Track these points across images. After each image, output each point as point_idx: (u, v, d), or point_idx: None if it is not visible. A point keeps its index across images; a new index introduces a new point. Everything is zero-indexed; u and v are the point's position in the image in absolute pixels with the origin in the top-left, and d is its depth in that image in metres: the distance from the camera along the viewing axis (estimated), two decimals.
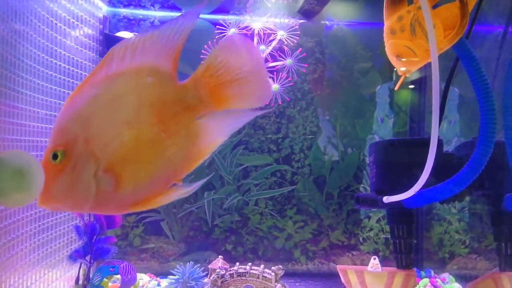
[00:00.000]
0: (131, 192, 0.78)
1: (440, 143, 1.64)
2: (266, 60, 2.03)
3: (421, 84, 2.37)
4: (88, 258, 1.75)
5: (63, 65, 1.76)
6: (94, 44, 2.03)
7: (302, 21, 2.21)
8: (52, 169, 0.78)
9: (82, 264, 1.78)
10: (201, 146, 0.86)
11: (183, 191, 0.84)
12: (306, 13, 2.23)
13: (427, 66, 2.24)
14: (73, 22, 1.84)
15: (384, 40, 1.49)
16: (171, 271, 1.90)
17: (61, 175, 0.77)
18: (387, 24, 1.48)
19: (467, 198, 2.18)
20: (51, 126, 1.67)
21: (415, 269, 1.83)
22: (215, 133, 0.88)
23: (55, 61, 1.70)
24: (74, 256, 1.73)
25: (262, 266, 1.80)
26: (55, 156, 0.77)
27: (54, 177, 0.78)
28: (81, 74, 1.91)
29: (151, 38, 0.86)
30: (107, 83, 0.81)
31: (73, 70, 1.84)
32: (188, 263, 1.90)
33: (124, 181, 0.77)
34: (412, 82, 2.38)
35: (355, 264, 2.29)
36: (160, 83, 0.83)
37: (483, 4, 1.53)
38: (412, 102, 2.38)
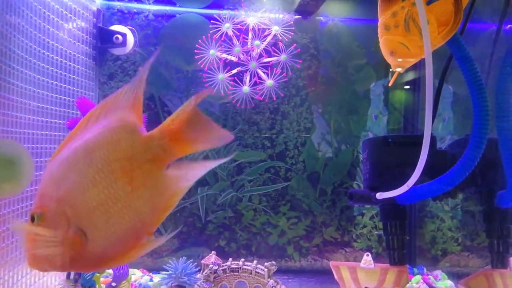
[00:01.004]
0: (102, 249, 0.79)
1: (433, 140, 1.65)
2: (261, 56, 2.03)
3: (415, 84, 2.38)
4: None
5: (55, 57, 1.75)
6: (88, 37, 2.01)
7: (297, 17, 2.20)
8: (32, 231, 0.80)
9: None
10: (168, 196, 0.86)
11: (156, 243, 0.85)
12: (303, 12, 2.23)
13: (421, 65, 2.25)
14: (66, 14, 1.83)
15: (378, 36, 1.49)
16: (163, 266, 1.90)
17: (39, 236, 0.79)
18: (381, 20, 1.48)
19: (460, 195, 2.19)
20: (42, 118, 1.66)
21: (408, 266, 1.84)
22: (181, 181, 0.88)
23: (47, 53, 1.69)
24: None
25: (255, 262, 1.80)
26: (33, 219, 0.80)
27: (34, 239, 0.79)
28: (74, 67, 1.90)
29: (117, 96, 0.88)
30: (79, 144, 0.83)
31: (65, 63, 1.83)
32: (180, 258, 1.89)
33: (93, 239, 0.78)
34: (406, 82, 2.39)
35: (348, 261, 2.30)
36: (127, 136, 0.84)
37: (477, 1, 1.54)
38: (406, 101, 2.39)
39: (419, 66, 2.32)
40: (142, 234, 0.84)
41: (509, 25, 2.11)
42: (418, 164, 1.40)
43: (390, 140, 1.81)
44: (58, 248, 0.78)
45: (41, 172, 1.67)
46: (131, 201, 0.81)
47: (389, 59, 1.51)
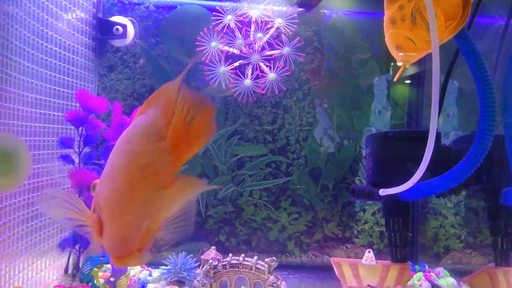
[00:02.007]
0: (111, 236, 0.89)
1: (438, 136, 1.62)
2: (263, 48, 1.99)
3: (419, 79, 2.34)
4: (77, 247, 1.72)
5: (54, 48, 1.71)
6: (87, 28, 1.98)
7: (301, 9, 2.17)
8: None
9: (72, 253, 1.75)
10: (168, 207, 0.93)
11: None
12: (306, 5, 2.20)
13: (426, 60, 2.22)
14: (65, 5, 1.80)
15: (384, 30, 1.45)
16: (163, 261, 1.88)
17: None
18: (387, 13, 1.45)
19: (464, 192, 2.17)
20: (40, 110, 1.63)
21: (410, 263, 1.82)
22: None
23: (46, 44, 1.66)
24: (64, 245, 1.69)
25: (255, 257, 1.78)
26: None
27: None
28: (73, 58, 1.87)
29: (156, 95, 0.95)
30: (115, 147, 0.94)
31: (64, 54, 1.80)
32: (180, 253, 1.88)
33: (105, 226, 0.89)
34: (410, 77, 2.36)
35: (349, 257, 2.28)
36: (144, 146, 0.91)
37: None
38: (410, 96, 2.36)
39: (423, 61, 2.28)
40: (147, 236, 0.92)
41: None
42: (423, 160, 1.37)
43: (393, 135, 1.78)
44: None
45: (39, 165, 1.64)
46: (142, 204, 0.88)
47: (394, 54, 1.48)
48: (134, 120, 0.95)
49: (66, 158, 1.71)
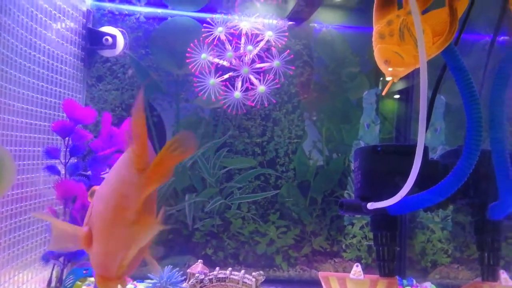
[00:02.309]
0: (97, 250, 0.94)
1: (425, 150, 1.63)
2: (253, 61, 2.00)
3: (408, 93, 2.37)
4: (61, 259, 1.68)
5: (42, 57, 1.70)
6: (76, 38, 1.97)
7: (291, 23, 2.19)
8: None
9: (55, 266, 1.72)
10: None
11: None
12: (296, 18, 2.22)
13: (414, 75, 2.25)
14: (55, 14, 1.79)
15: (373, 44, 1.47)
16: (148, 274, 1.85)
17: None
18: (376, 28, 1.46)
19: (451, 207, 2.17)
20: (26, 120, 1.61)
21: (398, 278, 1.81)
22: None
23: (34, 53, 1.64)
24: (47, 257, 1.66)
25: (242, 271, 1.75)
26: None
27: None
28: (61, 68, 1.86)
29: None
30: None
31: (52, 64, 1.79)
32: (166, 267, 1.85)
33: (94, 239, 0.94)
34: (399, 92, 2.38)
35: (338, 271, 2.26)
36: (125, 175, 0.95)
37: (472, 12, 1.53)
38: (399, 110, 2.38)
39: (412, 76, 2.31)
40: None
41: (502, 37, 2.11)
42: (411, 174, 1.37)
43: (382, 149, 1.79)
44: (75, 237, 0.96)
45: (24, 176, 1.61)
46: (126, 233, 0.92)
47: (383, 68, 1.49)
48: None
49: (52, 169, 1.68)
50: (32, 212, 1.67)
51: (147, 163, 0.92)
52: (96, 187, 1.01)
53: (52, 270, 1.72)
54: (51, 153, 1.65)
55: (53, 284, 1.72)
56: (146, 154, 0.92)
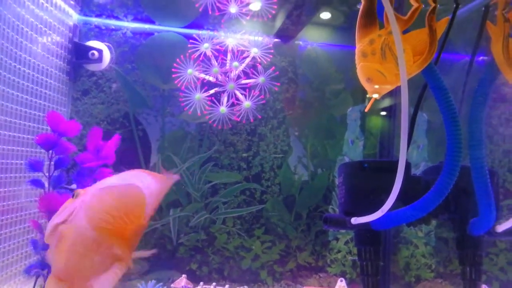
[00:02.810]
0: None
1: (408, 166, 1.65)
2: (239, 77, 2.02)
3: (391, 110, 2.40)
4: (45, 272, 1.65)
5: (27, 71, 1.70)
6: (62, 52, 1.97)
7: (277, 40, 2.22)
8: None
9: (39, 278, 1.69)
10: None
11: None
12: (282, 36, 2.26)
13: (397, 92, 2.29)
14: (41, 28, 1.79)
15: (356, 62, 1.50)
16: None
17: None
18: (358, 47, 1.49)
19: (434, 222, 2.20)
20: (9, 133, 1.60)
21: None
22: None
23: (19, 66, 1.64)
24: (31, 270, 1.63)
25: (227, 286, 1.75)
26: None
27: None
28: (46, 81, 1.85)
29: None
30: None
31: (37, 77, 1.78)
32: (150, 281, 1.83)
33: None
34: (382, 109, 2.42)
35: (322, 286, 2.26)
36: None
37: (451, 33, 1.57)
38: (382, 127, 2.41)
39: (395, 93, 2.35)
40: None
41: (481, 57, 2.17)
42: (393, 189, 1.39)
43: (366, 165, 1.81)
44: None
45: (6, 189, 1.59)
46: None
47: (366, 86, 1.51)
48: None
49: (36, 183, 1.66)
50: (11, 226, 1.65)
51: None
52: (80, 190, 1.02)
53: (35, 282, 1.69)
54: (34, 166, 1.63)
55: None
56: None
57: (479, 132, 1.56)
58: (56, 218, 0.98)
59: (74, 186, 1.74)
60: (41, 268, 1.62)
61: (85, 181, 1.70)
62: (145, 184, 1.00)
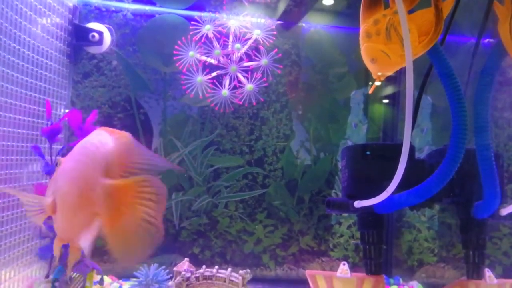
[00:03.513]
0: (60, 219, 1.08)
1: (412, 150, 1.64)
2: (241, 59, 1.99)
3: (395, 94, 2.38)
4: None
5: (27, 52, 1.68)
6: (62, 33, 1.95)
7: (279, 22, 2.19)
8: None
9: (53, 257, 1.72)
10: None
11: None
12: (285, 21, 2.22)
13: (402, 75, 2.27)
14: (40, 9, 1.77)
15: (360, 43, 1.47)
16: (134, 273, 1.83)
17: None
18: (363, 27, 1.47)
19: (437, 206, 2.19)
20: (10, 114, 1.58)
21: (384, 276, 1.82)
22: None
23: (19, 47, 1.62)
24: (44, 253, 1.66)
25: (229, 269, 1.75)
26: None
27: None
28: (46, 63, 1.83)
29: None
30: None
31: (37, 59, 1.76)
32: (152, 265, 1.83)
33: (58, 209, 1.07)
34: (386, 93, 2.39)
35: (325, 270, 2.26)
36: None
37: (457, 14, 1.54)
38: (386, 111, 2.39)
39: (399, 76, 2.33)
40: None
41: (487, 39, 2.14)
42: (397, 172, 1.38)
43: (369, 148, 1.79)
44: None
45: (7, 171, 1.59)
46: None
47: (370, 67, 1.50)
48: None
49: (36, 149, 1.69)
50: (15, 208, 1.65)
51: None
52: (62, 159, 1.11)
53: (50, 262, 1.71)
54: (49, 134, 1.70)
55: (51, 276, 1.70)
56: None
57: (484, 114, 1.54)
58: (48, 190, 1.08)
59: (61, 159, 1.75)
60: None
61: None
62: (103, 141, 1.11)
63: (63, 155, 1.75)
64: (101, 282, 1.75)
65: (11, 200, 1.62)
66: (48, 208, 1.06)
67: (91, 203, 1.05)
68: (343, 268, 1.83)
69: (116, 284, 1.94)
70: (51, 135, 1.71)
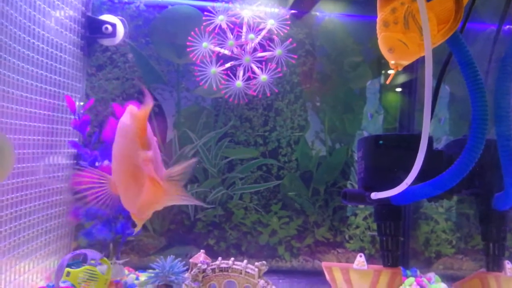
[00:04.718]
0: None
1: (430, 140, 1.61)
2: (255, 50, 1.97)
3: (412, 84, 2.34)
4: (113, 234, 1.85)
5: (41, 45, 1.68)
6: (76, 26, 1.95)
7: (293, 11, 2.16)
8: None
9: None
10: None
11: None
12: (299, 8, 2.19)
13: (419, 65, 2.22)
14: (54, 2, 1.76)
15: (377, 32, 1.44)
16: (150, 264, 1.84)
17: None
18: (380, 16, 1.44)
19: (455, 197, 2.16)
20: (26, 108, 1.59)
21: (401, 268, 1.80)
22: None
23: (33, 40, 1.62)
24: (84, 213, 1.80)
25: (245, 261, 1.74)
26: None
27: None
28: (61, 56, 1.83)
29: None
30: None
31: (52, 52, 1.76)
32: (168, 257, 1.84)
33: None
34: (403, 83, 2.35)
35: (341, 262, 2.25)
36: None
37: (477, 2, 1.50)
38: (402, 101, 2.35)
39: (416, 66, 2.28)
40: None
41: (508, 26, 2.08)
42: (415, 163, 1.36)
43: (385, 138, 1.77)
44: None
45: (24, 165, 1.60)
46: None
47: (387, 56, 1.47)
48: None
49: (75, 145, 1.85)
50: (33, 201, 1.66)
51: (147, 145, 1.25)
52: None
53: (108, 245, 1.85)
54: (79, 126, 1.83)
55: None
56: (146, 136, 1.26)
57: (506, 104, 1.51)
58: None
59: (106, 162, 1.80)
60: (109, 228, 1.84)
61: (109, 154, 1.79)
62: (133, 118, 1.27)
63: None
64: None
65: (28, 194, 1.63)
66: (111, 186, 1.30)
67: (137, 175, 1.23)
68: (360, 260, 1.82)
69: (132, 276, 1.95)
70: (82, 127, 1.82)
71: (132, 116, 1.26)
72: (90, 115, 1.88)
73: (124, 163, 1.26)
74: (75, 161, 1.98)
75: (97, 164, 1.82)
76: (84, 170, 1.33)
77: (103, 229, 1.83)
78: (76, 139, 1.98)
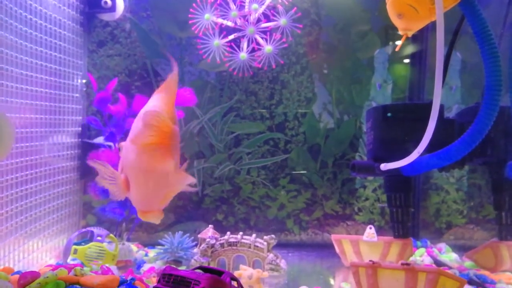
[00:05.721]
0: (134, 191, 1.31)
1: (441, 108, 1.56)
2: (259, 20, 1.91)
3: (421, 55, 2.26)
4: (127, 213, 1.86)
5: (39, 21, 1.64)
6: (74, 1, 1.90)
7: None
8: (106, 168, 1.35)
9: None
10: None
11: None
12: None
13: (429, 31, 2.14)
14: None
15: None
16: (159, 241, 1.84)
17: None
18: None
19: (467, 167, 2.12)
20: (27, 86, 1.56)
21: (412, 239, 1.78)
22: None
23: (30, 16, 1.58)
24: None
25: (253, 235, 1.73)
26: None
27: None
28: (60, 33, 1.79)
29: None
30: None
31: (50, 28, 1.72)
32: (176, 233, 1.84)
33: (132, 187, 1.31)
34: (411, 54, 2.27)
35: (350, 234, 2.24)
36: None
37: None
38: (412, 70, 2.28)
39: (425, 33, 2.20)
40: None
41: None
42: (426, 132, 1.32)
43: (395, 108, 1.72)
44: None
45: (27, 144, 1.58)
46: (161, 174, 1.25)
47: (396, 22, 1.41)
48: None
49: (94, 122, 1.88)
50: (38, 180, 1.65)
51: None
52: (123, 143, 1.28)
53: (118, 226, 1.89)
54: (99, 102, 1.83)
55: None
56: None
57: None
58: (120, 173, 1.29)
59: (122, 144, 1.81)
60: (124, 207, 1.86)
61: (121, 128, 1.85)
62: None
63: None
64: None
65: (34, 173, 1.62)
66: (122, 185, 1.27)
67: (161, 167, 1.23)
68: (370, 232, 1.80)
69: (142, 252, 1.96)
70: (102, 104, 1.82)
71: (159, 104, 1.27)
72: (105, 93, 1.84)
73: (149, 155, 1.20)
74: (79, 139, 1.96)
75: (117, 144, 1.84)
76: (97, 164, 1.29)
77: (118, 208, 1.85)
78: (80, 117, 1.96)
